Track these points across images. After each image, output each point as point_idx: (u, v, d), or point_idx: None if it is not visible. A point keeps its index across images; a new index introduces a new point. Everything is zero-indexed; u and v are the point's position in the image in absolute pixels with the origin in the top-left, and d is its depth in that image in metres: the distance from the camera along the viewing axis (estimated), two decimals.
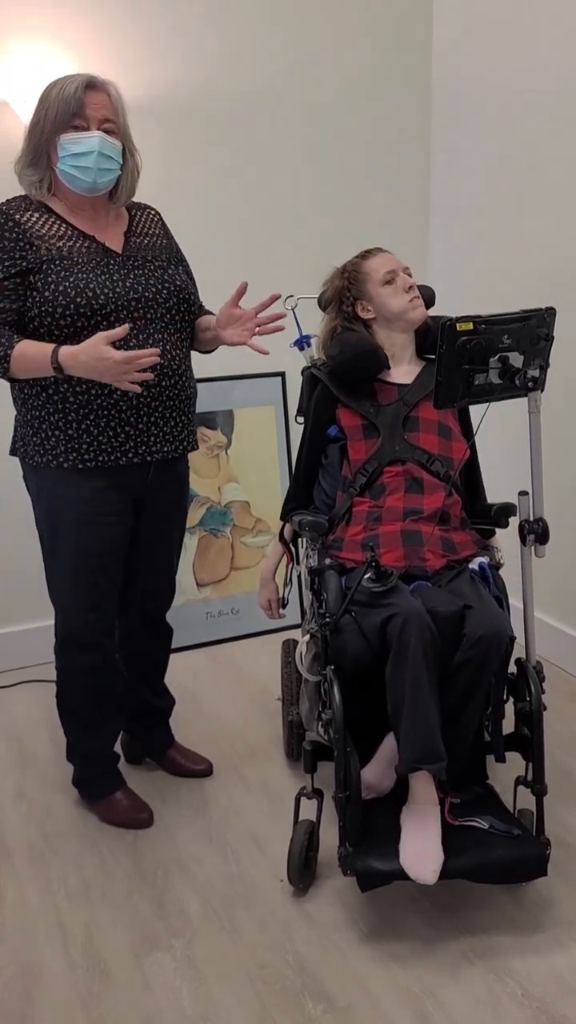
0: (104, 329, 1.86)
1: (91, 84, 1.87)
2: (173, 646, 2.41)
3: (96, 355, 1.74)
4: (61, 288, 1.86)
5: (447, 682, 1.82)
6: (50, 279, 1.86)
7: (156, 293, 1.96)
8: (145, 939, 1.85)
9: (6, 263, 1.86)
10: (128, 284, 1.92)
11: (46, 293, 1.86)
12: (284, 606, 2.34)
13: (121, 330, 1.74)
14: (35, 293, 1.87)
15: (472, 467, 2.24)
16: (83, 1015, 1.68)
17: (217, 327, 2.02)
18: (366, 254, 2.21)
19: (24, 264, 1.86)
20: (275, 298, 1.93)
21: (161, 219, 2.12)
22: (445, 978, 1.72)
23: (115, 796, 2.23)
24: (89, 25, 2.71)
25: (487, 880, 1.84)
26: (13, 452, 2.06)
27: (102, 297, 1.88)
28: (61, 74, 1.90)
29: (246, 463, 3.20)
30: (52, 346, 1.81)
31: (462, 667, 1.81)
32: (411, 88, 3.19)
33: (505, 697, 1.94)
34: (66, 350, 1.79)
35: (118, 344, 1.81)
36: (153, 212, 2.11)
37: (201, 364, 2.36)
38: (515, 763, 1.97)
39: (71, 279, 1.87)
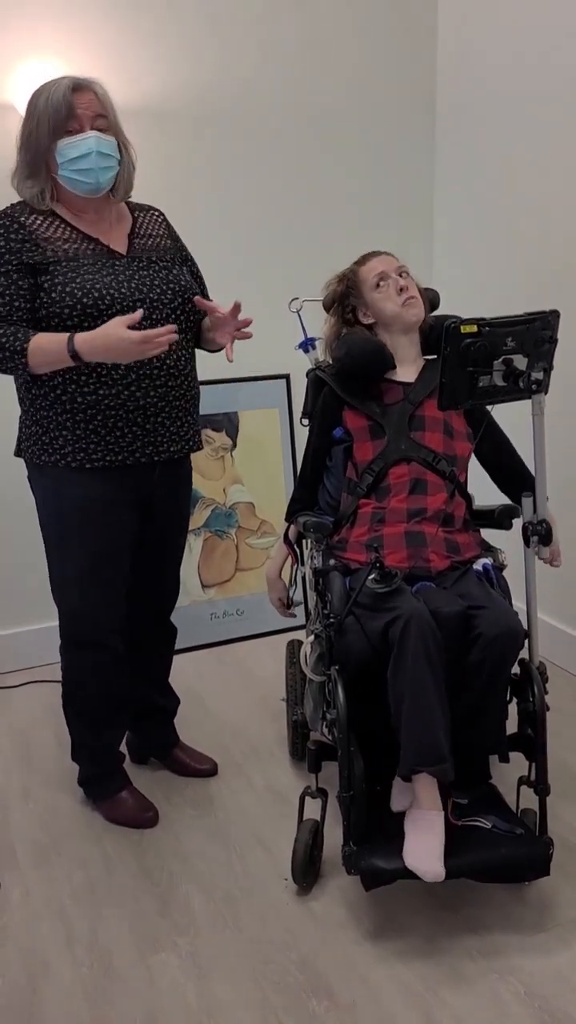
0: None
1: (76, 86, 1.87)
2: (178, 647, 2.42)
3: (115, 336, 1.78)
4: (68, 289, 1.87)
5: (463, 684, 1.83)
6: (57, 280, 1.88)
7: (161, 294, 1.97)
8: (150, 937, 1.87)
9: (14, 262, 1.88)
10: (133, 285, 1.94)
11: (53, 294, 1.87)
12: (290, 607, 2.35)
13: (137, 314, 1.80)
14: (42, 294, 1.88)
15: (503, 449, 2.22)
16: (88, 1012, 1.69)
17: (208, 330, 2.09)
18: (363, 259, 2.21)
19: (31, 262, 1.88)
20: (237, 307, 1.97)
21: (165, 220, 2.13)
22: (448, 976, 1.73)
23: (120, 796, 2.24)
24: (89, 25, 2.73)
25: (490, 879, 1.85)
26: (19, 453, 2.07)
27: (108, 298, 1.89)
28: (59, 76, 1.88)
29: (251, 465, 3.21)
30: (66, 335, 1.83)
31: (479, 667, 1.81)
32: (415, 88, 3.20)
33: (508, 697, 1.95)
34: (81, 336, 1.81)
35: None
36: (157, 213, 2.13)
37: (206, 366, 2.37)
38: (518, 763, 1.98)
39: (78, 280, 1.88)
